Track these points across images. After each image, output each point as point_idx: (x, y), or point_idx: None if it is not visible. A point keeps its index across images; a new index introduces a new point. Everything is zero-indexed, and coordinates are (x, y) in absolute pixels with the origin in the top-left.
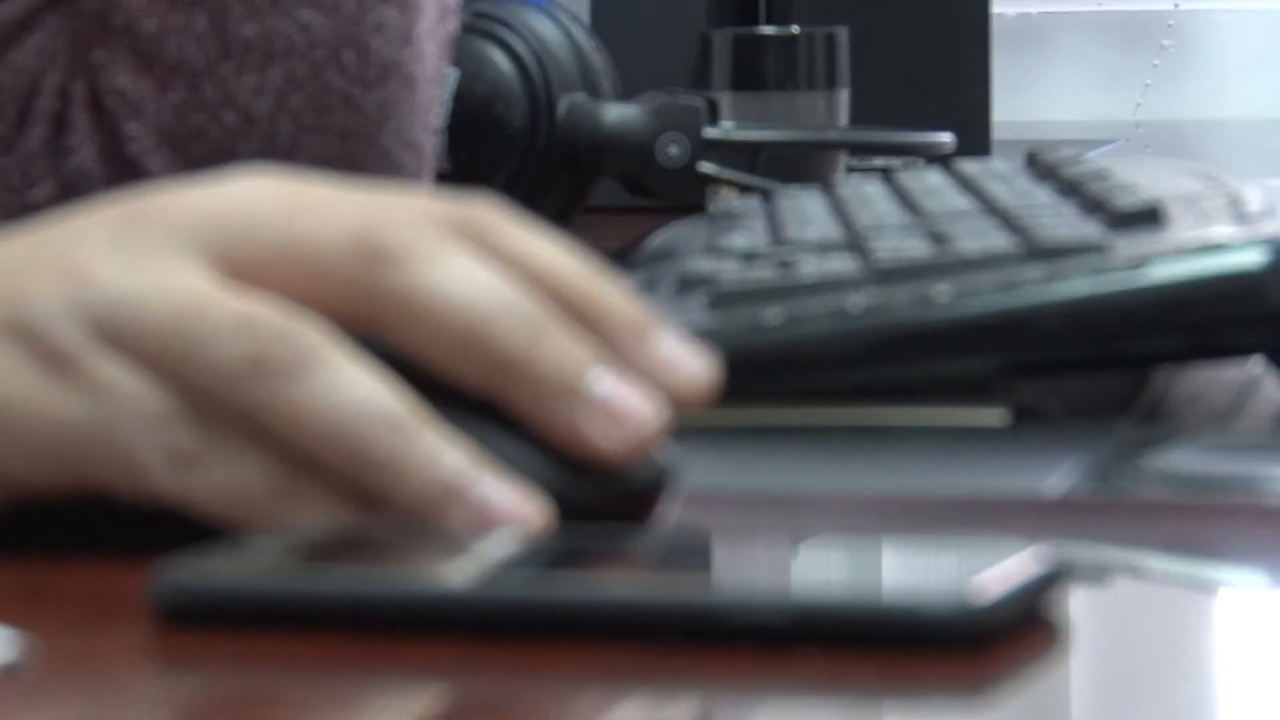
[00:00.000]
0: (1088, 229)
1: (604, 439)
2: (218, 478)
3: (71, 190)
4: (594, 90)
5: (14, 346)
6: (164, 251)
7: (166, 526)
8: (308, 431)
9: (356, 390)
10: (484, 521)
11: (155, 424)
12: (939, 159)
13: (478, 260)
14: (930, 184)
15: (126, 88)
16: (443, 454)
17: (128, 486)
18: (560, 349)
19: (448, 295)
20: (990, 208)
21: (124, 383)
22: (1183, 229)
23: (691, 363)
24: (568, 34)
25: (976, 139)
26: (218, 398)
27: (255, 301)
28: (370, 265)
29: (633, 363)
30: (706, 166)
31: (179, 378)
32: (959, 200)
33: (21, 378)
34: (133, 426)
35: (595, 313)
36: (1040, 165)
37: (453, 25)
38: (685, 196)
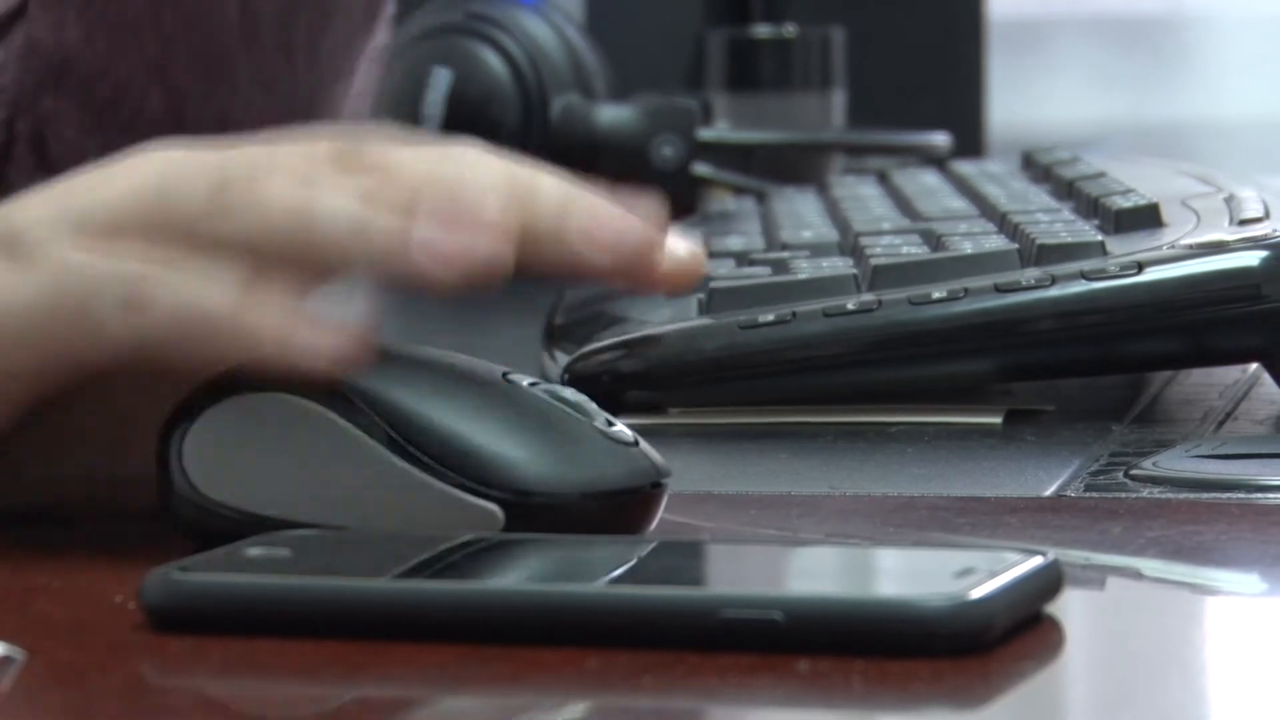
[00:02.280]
0: (1084, 231)
1: (437, 269)
2: (169, 300)
3: None
4: (588, 91)
5: None
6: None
7: (157, 535)
8: (276, 220)
9: (313, 190)
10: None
11: (105, 281)
12: (935, 160)
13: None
14: (926, 185)
15: (74, 139)
16: (401, 222)
17: (92, 353)
18: (386, 221)
19: (283, 206)
20: (986, 209)
21: (81, 258)
22: (1179, 231)
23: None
24: (561, 34)
25: (972, 140)
26: (181, 224)
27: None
28: (219, 199)
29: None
30: (701, 168)
31: (143, 230)
32: (955, 201)
33: None
34: (86, 290)
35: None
36: (1036, 166)
37: (384, 38)
38: (679, 198)
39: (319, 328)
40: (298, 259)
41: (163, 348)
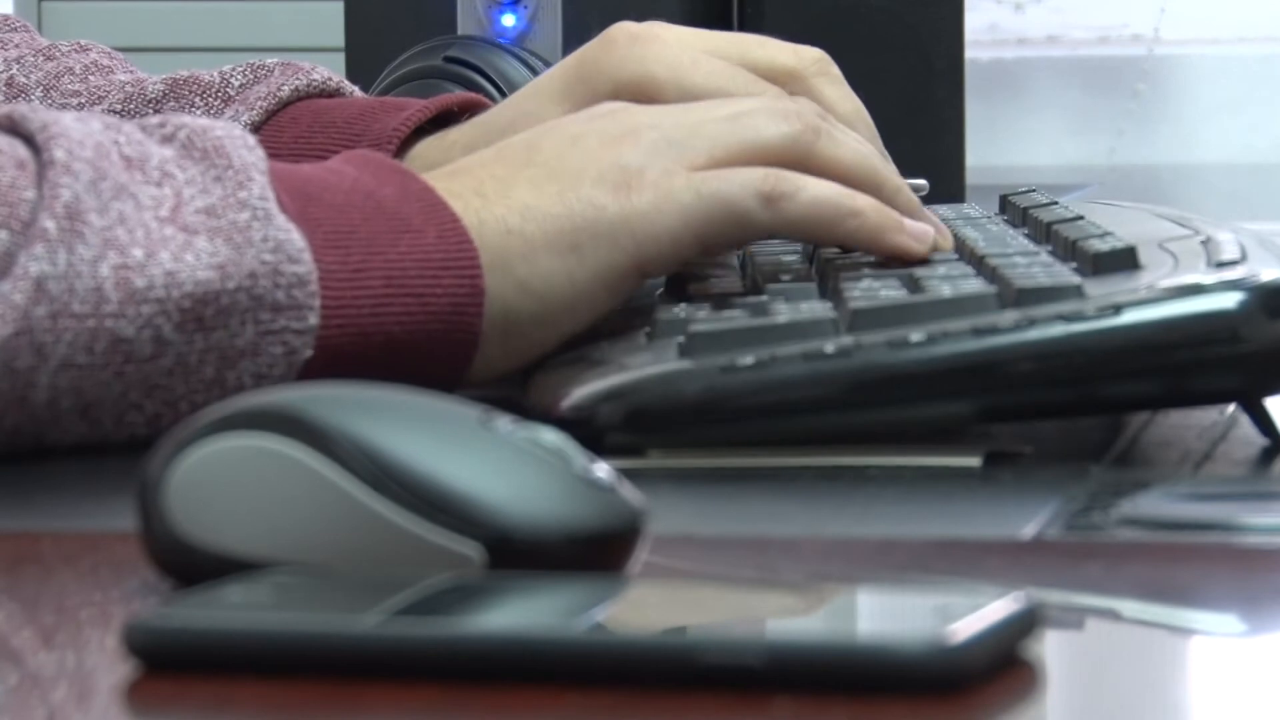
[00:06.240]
0: (1062, 273)
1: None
2: (806, 193)
3: None
4: None
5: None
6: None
7: (141, 576)
8: (843, 169)
9: (861, 147)
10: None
11: (743, 185)
12: None
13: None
14: None
15: None
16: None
17: (741, 237)
18: (907, 192)
19: (852, 160)
20: (964, 252)
21: (707, 175)
22: (1157, 273)
23: (943, 228)
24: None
25: (950, 184)
26: (780, 156)
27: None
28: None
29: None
30: None
31: (737, 155)
32: None
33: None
34: (729, 194)
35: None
36: (1014, 210)
37: None
38: None
39: (914, 221)
40: (868, 186)
41: (799, 229)
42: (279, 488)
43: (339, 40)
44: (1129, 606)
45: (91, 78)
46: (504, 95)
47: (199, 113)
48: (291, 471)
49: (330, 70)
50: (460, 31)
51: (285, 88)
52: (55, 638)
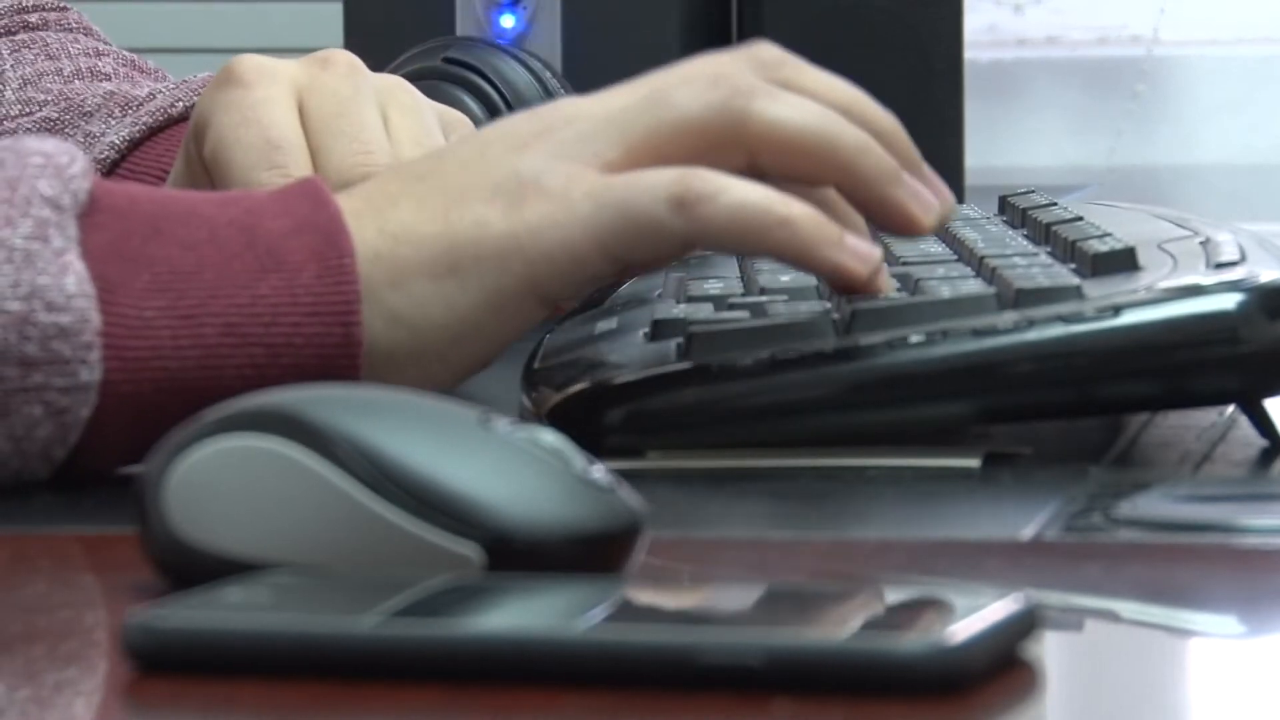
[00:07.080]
0: (1061, 274)
1: (921, 211)
2: (725, 197)
3: None
4: None
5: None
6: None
7: (139, 577)
8: (788, 136)
9: (810, 104)
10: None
11: (650, 188)
12: None
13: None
14: None
15: None
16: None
17: (653, 249)
18: (878, 152)
19: (800, 122)
20: (963, 253)
21: (612, 178)
22: (1156, 274)
23: (943, 190)
24: (539, 79)
25: (950, 184)
26: (707, 133)
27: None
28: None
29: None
30: None
31: (646, 147)
32: (932, 245)
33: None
34: (636, 200)
35: (877, 131)
36: (1013, 211)
37: None
38: None
39: (857, 238)
40: (814, 173)
41: (719, 239)
42: (278, 489)
43: (338, 40)
44: (1128, 607)
45: (76, 82)
46: (503, 96)
47: (116, 124)
48: (290, 472)
49: None
50: (459, 32)
51: (179, 104)
52: (54, 638)
